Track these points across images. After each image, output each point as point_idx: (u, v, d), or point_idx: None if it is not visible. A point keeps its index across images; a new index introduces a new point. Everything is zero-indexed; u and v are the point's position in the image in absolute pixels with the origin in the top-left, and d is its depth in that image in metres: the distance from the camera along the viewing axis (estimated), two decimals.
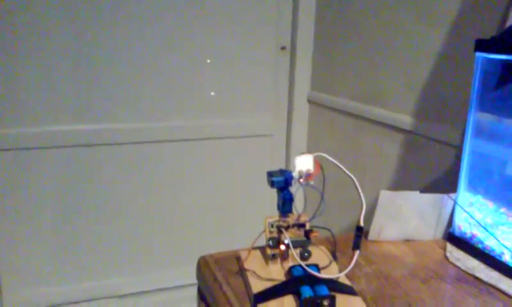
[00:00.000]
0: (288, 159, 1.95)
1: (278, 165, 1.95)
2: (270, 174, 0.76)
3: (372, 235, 0.90)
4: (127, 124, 1.72)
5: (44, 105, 1.61)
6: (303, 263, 0.71)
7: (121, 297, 1.87)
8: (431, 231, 0.92)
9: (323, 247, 0.82)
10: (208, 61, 1.74)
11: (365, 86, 1.55)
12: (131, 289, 1.88)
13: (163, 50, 1.70)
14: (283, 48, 1.83)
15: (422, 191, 0.89)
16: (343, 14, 1.64)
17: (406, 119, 1.37)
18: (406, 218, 0.89)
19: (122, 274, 1.86)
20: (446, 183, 1.22)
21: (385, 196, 0.86)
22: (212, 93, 1.79)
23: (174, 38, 1.70)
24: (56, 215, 1.72)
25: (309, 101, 1.88)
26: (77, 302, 1.82)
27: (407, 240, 0.92)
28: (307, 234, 0.76)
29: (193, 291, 1.93)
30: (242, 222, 1.96)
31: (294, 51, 1.83)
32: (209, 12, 1.72)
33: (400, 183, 1.42)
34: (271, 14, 1.79)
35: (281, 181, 0.75)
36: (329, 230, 0.81)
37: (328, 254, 0.80)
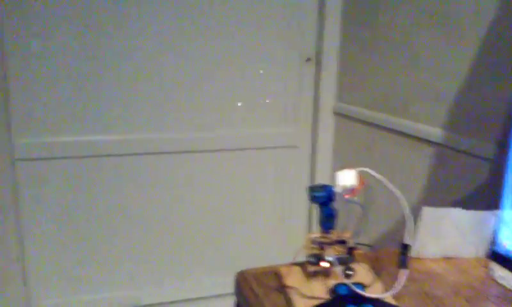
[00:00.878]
0: (313, 171, 1.93)
1: (302, 176, 1.94)
2: (311, 188, 0.74)
3: (413, 252, 0.88)
4: (148, 134, 1.72)
5: (54, 116, 1.61)
6: (349, 282, 0.69)
7: None
8: (473, 249, 0.89)
9: (364, 264, 0.80)
10: (239, 104, 1.76)
11: (393, 97, 1.54)
12: (151, 300, 1.87)
13: (186, 61, 1.70)
14: (308, 59, 1.82)
15: (464, 207, 0.87)
16: (369, 25, 1.63)
17: (435, 132, 1.35)
18: (447, 235, 0.87)
19: (143, 285, 1.85)
20: (478, 199, 1.20)
21: (427, 212, 0.84)
22: (239, 104, 1.78)
23: (197, 49, 1.70)
24: (78, 225, 1.72)
25: (335, 112, 1.86)
26: None
27: (448, 258, 0.90)
28: (350, 251, 0.75)
29: (214, 303, 1.91)
30: (266, 233, 1.95)
31: (319, 62, 1.82)
32: (235, 25, 1.72)
33: (428, 198, 1.39)
34: (297, 26, 1.79)
35: (324, 197, 0.73)
36: (372, 247, 0.79)
37: (370, 271, 0.78)
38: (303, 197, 1.95)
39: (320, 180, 1.91)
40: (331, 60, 1.80)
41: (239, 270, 1.99)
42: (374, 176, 0.74)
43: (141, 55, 1.65)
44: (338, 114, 1.85)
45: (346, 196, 0.73)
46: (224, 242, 1.91)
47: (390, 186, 0.73)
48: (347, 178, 0.73)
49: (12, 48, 1.52)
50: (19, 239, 1.64)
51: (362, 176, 0.74)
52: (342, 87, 1.83)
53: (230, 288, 1.87)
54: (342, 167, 2.07)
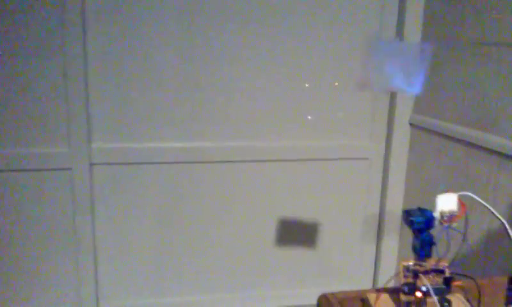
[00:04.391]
0: (385, 185, 1.86)
1: (373, 190, 1.87)
2: (408, 213, 0.69)
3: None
4: (224, 142, 1.73)
5: (130, 123, 1.65)
6: None
7: None
8: None
9: (460, 296, 0.74)
10: (307, 85, 1.71)
11: (479, 109, 1.43)
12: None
13: (265, 74, 1.69)
14: None
15: None
16: (455, 29, 1.53)
17: None
18: None
19: (209, 292, 1.86)
20: None
21: None
22: (309, 117, 1.75)
23: (276, 61, 1.69)
24: (155, 229, 1.76)
25: (411, 124, 1.77)
26: None
27: None
28: (447, 281, 0.69)
29: None
30: (334, 245, 1.90)
31: None
32: (311, 34, 1.69)
33: None
34: (373, 28, 1.73)
35: (422, 222, 0.68)
36: (472, 279, 0.73)
37: (468, 304, 0.72)
38: (373, 210, 1.89)
39: (392, 195, 1.83)
40: None
41: (307, 282, 1.94)
42: (477, 201, 0.68)
43: (223, 66, 1.67)
44: (414, 125, 1.76)
45: (444, 222, 0.68)
46: (294, 253, 1.88)
47: (496, 214, 0.67)
48: (447, 203, 0.68)
49: (95, 55, 1.58)
50: (93, 239, 1.70)
51: (463, 201, 0.68)
52: (420, 97, 1.74)
53: (297, 300, 1.84)
54: (417, 183, 1.96)
